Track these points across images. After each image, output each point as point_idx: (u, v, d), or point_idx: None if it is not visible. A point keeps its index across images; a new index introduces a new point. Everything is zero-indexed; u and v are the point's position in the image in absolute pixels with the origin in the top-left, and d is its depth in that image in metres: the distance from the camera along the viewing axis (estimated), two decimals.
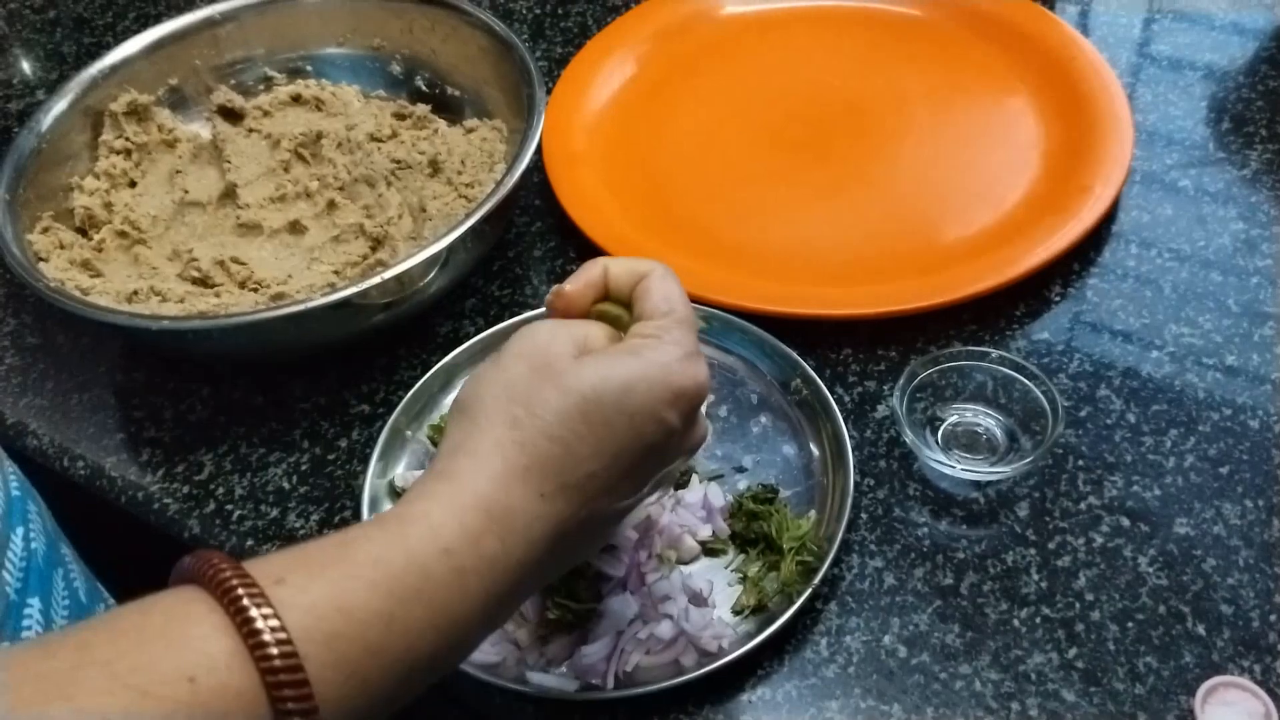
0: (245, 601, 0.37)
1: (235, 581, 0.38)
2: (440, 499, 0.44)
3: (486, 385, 0.47)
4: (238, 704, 0.36)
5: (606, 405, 0.46)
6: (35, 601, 0.53)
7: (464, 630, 0.43)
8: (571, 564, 0.54)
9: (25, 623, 0.52)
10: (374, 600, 0.40)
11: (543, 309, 0.73)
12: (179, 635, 0.37)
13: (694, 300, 0.72)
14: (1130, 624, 0.58)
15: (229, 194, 0.81)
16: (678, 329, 0.49)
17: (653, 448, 0.48)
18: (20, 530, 0.54)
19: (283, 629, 0.37)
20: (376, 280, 0.66)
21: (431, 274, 0.70)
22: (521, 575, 0.45)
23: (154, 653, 0.36)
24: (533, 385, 0.46)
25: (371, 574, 0.40)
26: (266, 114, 0.87)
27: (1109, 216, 0.78)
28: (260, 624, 0.37)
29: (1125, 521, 0.62)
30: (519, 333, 0.49)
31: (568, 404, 0.45)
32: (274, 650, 0.37)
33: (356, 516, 0.65)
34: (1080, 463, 0.65)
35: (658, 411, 0.47)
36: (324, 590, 0.39)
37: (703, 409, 0.51)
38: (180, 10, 0.88)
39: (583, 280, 0.52)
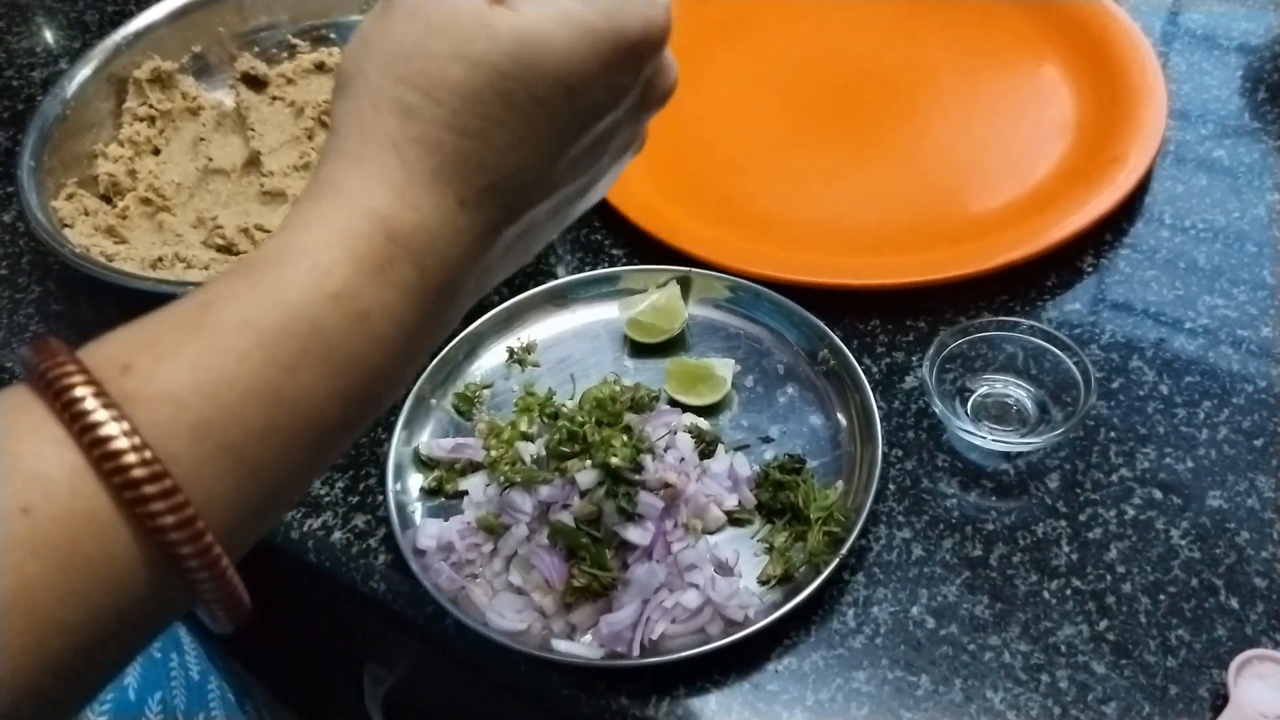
0: (85, 404, 0.29)
1: (70, 380, 0.30)
2: (325, 226, 0.34)
3: (369, 54, 0.36)
4: (89, 528, 0.29)
5: (532, 79, 0.35)
6: None
7: (384, 381, 0.35)
8: (512, 270, 0.43)
9: None
10: (247, 374, 0.32)
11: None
12: (5, 455, 0.29)
13: (720, 270, 0.72)
14: (1162, 597, 0.58)
15: (253, 161, 0.81)
16: None
17: (600, 117, 0.38)
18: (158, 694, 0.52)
19: (135, 430, 0.29)
20: None
21: None
22: (449, 300, 0.36)
23: None
24: (430, 56, 0.34)
25: (239, 342, 0.32)
26: (290, 81, 0.87)
27: (1142, 187, 0.77)
28: (107, 428, 0.29)
29: (1157, 494, 0.62)
30: None
31: (477, 83, 0.34)
32: (130, 458, 0.29)
33: (381, 484, 0.65)
34: (1112, 434, 0.64)
35: (605, 76, 0.36)
36: (182, 374, 0.31)
37: (666, 49, 0.41)
38: None
39: None
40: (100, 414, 0.29)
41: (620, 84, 0.37)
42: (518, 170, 0.36)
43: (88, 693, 0.32)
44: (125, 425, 0.29)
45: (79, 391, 0.30)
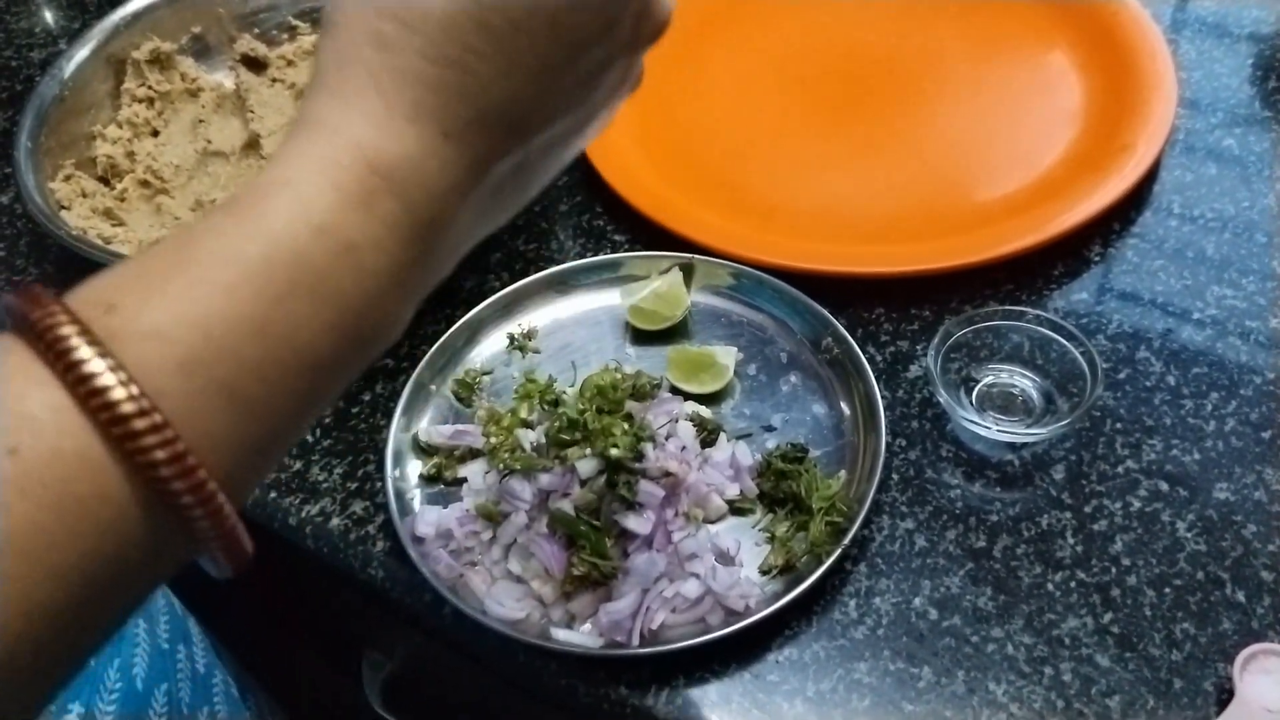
0: (69, 343, 0.29)
1: (54, 320, 0.29)
2: (306, 160, 0.33)
3: None
4: (78, 467, 0.29)
5: (511, 5, 0.34)
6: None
7: (375, 317, 0.34)
8: (511, 211, 0.42)
9: None
10: (234, 307, 0.31)
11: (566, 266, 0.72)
12: None
13: (724, 257, 0.71)
14: (1168, 590, 0.57)
15: (252, 144, 0.80)
16: None
17: (587, 48, 0.37)
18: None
19: (121, 367, 0.29)
20: None
21: None
22: (439, 235, 0.35)
23: None
24: None
25: (226, 275, 0.31)
26: (290, 63, 0.86)
27: (1150, 176, 0.76)
28: (92, 365, 0.29)
29: (1164, 486, 0.61)
30: None
31: (453, 10, 0.34)
32: (116, 394, 0.28)
33: (380, 470, 0.65)
34: (1118, 425, 0.64)
35: (591, 3, 0.35)
36: (167, 309, 0.30)
37: None
38: None
39: None
40: (84, 351, 0.29)
41: (609, 13, 0.36)
42: (505, 102, 0.35)
43: (87, 646, 0.31)
44: (110, 361, 0.29)
45: (63, 330, 0.29)
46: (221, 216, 0.33)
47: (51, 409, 0.29)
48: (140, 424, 0.29)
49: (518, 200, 0.41)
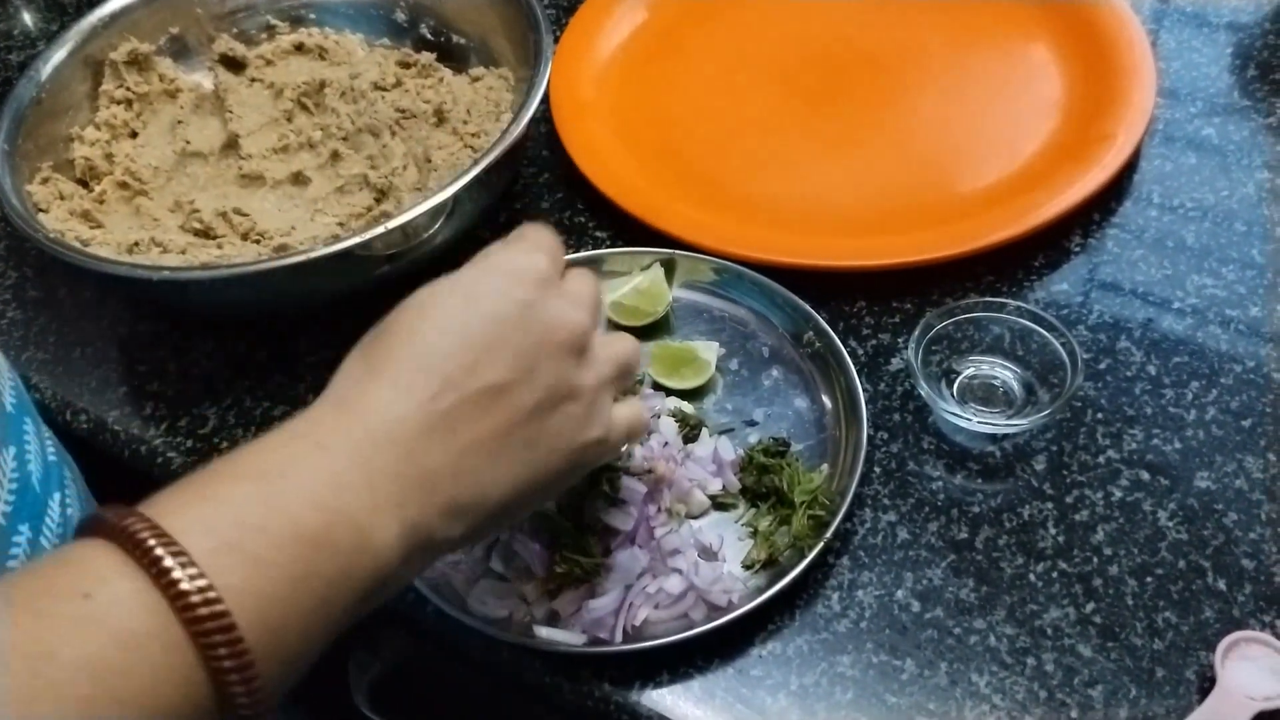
0: (143, 535, 0.35)
1: (131, 522, 0.36)
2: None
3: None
4: (143, 619, 0.34)
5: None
6: (24, 529, 0.50)
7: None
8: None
9: (14, 550, 0.49)
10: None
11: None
12: (68, 565, 0.36)
13: (705, 252, 0.71)
14: (1149, 579, 0.57)
15: (231, 144, 0.80)
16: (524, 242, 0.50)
17: (512, 324, 0.46)
18: (57, 495, 0.52)
19: (183, 553, 0.35)
20: (380, 231, 0.64)
21: (436, 225, 0.68)
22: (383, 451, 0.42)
23: (46, 575, 0.35)
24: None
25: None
26: (269, 63, 0.85)
27: (1130, 166, 0.76)
28: (159, 552, 0.35)
29: (1145, 475, 0.61)
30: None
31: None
32: (177, 575, 0.34)
33: None
34: (1099, 416, 0.64)
35: (507, 291, 0.46)
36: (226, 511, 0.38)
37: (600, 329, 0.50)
38: None
39: None
40: (154, 542, 0.35)
41: (515, 296, 0.46)
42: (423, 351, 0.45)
43: None
44: (174, 548, 0.35)
45: (137, 525, 0.35)
46: (284, 448, 0.42)
47: (117, 570, 0.35)
48: (196, 599, 0.35)
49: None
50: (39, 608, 0.33)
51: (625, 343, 0.51)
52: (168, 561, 0.35)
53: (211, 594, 0.35)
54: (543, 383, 0.45)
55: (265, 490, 0.39)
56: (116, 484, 0.67)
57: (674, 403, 0.65)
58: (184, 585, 0.34)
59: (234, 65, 0.86)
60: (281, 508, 0.38)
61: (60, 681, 0.32)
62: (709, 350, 0.67)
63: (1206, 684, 0.53)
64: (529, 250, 0.48)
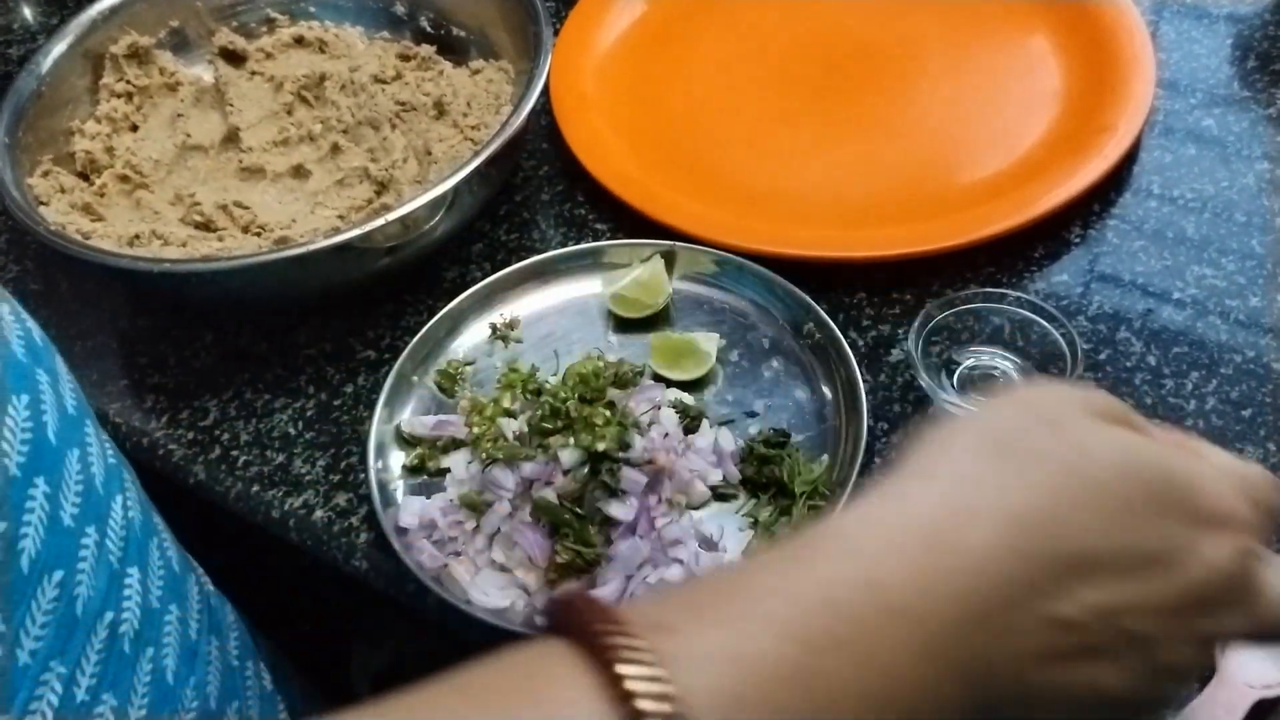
0: (622, 655, 0.29)
1: (609, 632, 0.30)
2: (869, 523, 0.33)
3: (976, 420, 0.37)
4: None
5: (1130, 483, 0.34)
6: (134, 571, 0.51)
7: (910, 691, 0.31)
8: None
9: (125, 593, 0.50)
10: (779, 647, 0.30)
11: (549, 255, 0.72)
12: (540, 698, 0.29)
13: (705, 244, 0.71)
14: None
15: (231, 137, 0.80)
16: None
17: (1183, 573, 0.34)
18: (119, 498, 0.52)
19: (665, 697, 0.28)
20: (380, 223, 0.65)
21: (436, 217, 0.68)
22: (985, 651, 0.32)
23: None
24: (1035, 431, 0.36)
25: (776, 609, 0.31)
26: (269, 56, 0.85)
27: (1130, 158, 0.76)
28: (635, 685, 0.28)
29: None
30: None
31: (1074, 469, 0.34)
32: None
33: (363, 462, 0.64)
34: None
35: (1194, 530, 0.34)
36: (718, 636, 0.30)
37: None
38: None
39: None
40: (632, 669, 0.29)
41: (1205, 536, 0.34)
42: (1089, 553, 0.34)
43: None
44: (659, 688, 0.28)
45: (618, 642, 0.29)
46: (776, 557, 0.33)
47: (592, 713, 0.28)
48: None
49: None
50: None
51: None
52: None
53: None
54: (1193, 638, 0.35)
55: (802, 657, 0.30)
56: None
57: (674, 394, 0.65)
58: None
59: (234, 58, 0.86)
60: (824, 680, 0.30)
61: None
62: (709, 341, 0.68)
63: (1206, 672, 0.53)
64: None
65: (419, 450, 0.65)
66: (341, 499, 0.65)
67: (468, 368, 0.69)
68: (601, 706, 0.28)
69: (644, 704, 0.28)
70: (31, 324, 0.49)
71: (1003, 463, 0.34)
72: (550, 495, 0.58)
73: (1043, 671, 0.33)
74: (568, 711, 0.29)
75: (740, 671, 0.29)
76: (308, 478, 0.66)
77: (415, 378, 0.68)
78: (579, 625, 0.30)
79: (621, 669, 0.29)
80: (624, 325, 0.71)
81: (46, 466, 0.45)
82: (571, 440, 0.59)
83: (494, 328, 0.71)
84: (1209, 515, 0.35)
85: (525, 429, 0.61)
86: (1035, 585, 0.32)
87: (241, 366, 0.73)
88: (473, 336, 0.71)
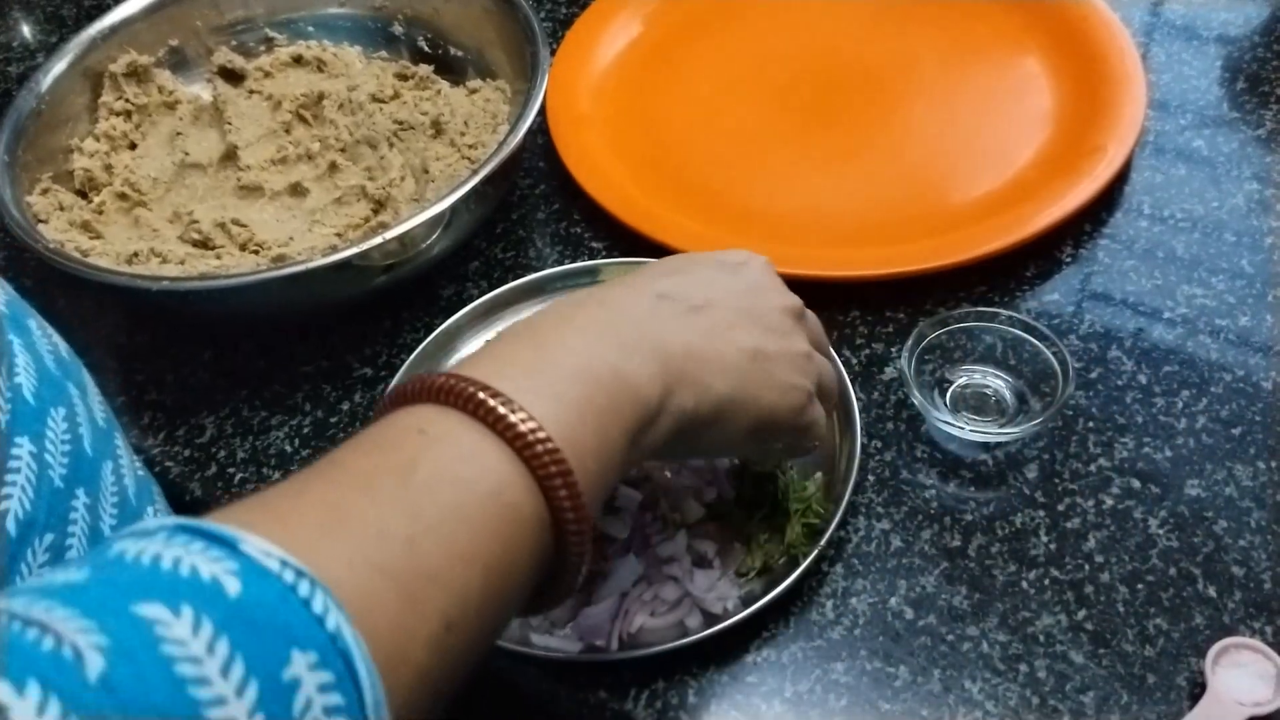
0: (484, 397, 0.39)
1: (469, 387, 0.40)
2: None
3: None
4: (508, 486, 0.38)
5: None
6: (81, 494, 0.48)
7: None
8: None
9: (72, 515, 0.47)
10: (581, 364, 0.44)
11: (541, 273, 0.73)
12: (437, 439, 0.39)
13: None
14: (1140, 586, 0.58)
15: (230, 156, 0.80)
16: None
17: (768, 324, 0.51)
18: (150, 510, 0.52)
19: (520, 408, 0.39)
20: (377, 241, 0.65)
21: (434, 235, 0.69)
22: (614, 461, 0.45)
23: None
24: None
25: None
26: (268, 75, 0.86)
27: (1121, 178, 0.77)
28: (502, 409, 0.39)
29: (1136, 483, 0.62)
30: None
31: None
32: (527, 426, 0.39)
33: None
34: (1090, 424, 0.64)
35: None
36: (542, 383, 0.42)
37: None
38: None
39: None
40: (494, 401, 0.39)
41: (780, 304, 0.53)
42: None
43: (479, 651, 0.38)
44: (512, 405, 0.39)
45: (480, 394, 0.39)
46: (558, 321, 0.47)
47: (482, 447, 0.39)
48: (540, 449, 0.39)
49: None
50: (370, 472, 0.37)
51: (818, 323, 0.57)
52: (500, 409, 0.39)
53: (542, 433, 0.39)
54: (768, 321, 0.51)
55: (536, 351, 0.44)
56: None
57: None
58: (520, 428, 0.39)
59: (233, 77, 0.87)
60: (552, 360, 0.43)
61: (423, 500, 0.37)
62: None
63: (1197, 690, 0.54)
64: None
65: None
66: None
67: None
68: (492, 442, 0.39)
69: (525, 431, 0.39)
70: (58, 339, 0.49)
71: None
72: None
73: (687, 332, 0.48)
74: (470, 451, 0.38)
75: (565, 397, 0.41)
76: None
77: None
78: (441, 389, 0.40)
79: (500, 410, 0.39)
80: None
81: (85, 478, 0.45)
82: None
83: None
84: (799, 314, 0.54)
85: None
86: (680, 310, 0.49)
87: (238, 384, 0.73)
88: (469, 353, 0.71)
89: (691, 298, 0.49)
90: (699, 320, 0.49)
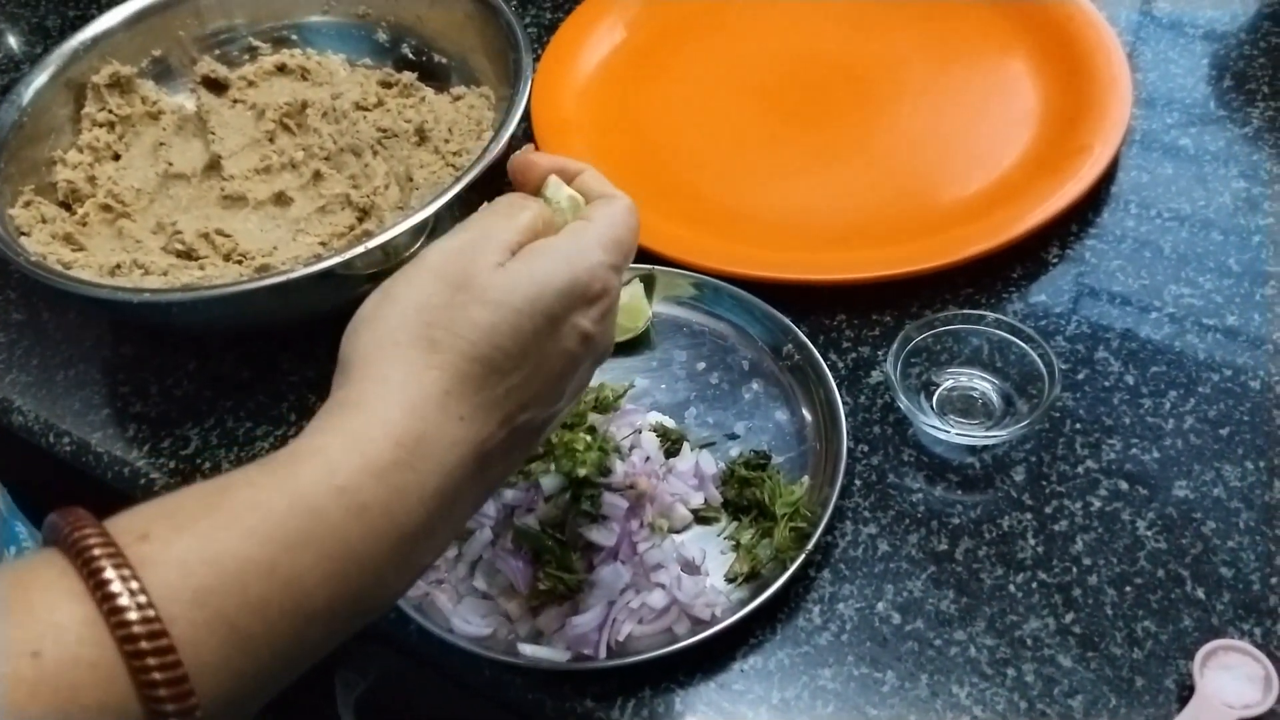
0: (100, 562, 0.33)
1: (91, 541, 0.33)
2: (341, 433, 0.39)
3: (397, 305, 0.43)
4: (91, 676, 0.32)
5: (537, 313, 0.43)
6: None
7: (373, 573, 0.38)
8: (496, 485, 0.47)
9: None
10: (250, 548, 0.35)
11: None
12: (24, 604, 0.32)
13: (685, 267, 0.72)
14: (1128, 588, 0.57)
15: (213, 166, 0.80)
16: (604, 220, 0.47)
17: (571, 355, 0.45)
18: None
19: (142, 590, 0.33)
20: (361, 250, 0.65)
21: (418, 244, 0.69)
22: (441, 505, 0.40)
23: None
24: (455, 303, 0.42)
25: (249, 520, 0.36)
26: (251, 84, 0.86)
27: (1108, 177, 0.77)
28: (116, 585, 0.32)
29: (1123, 485, 0.61)
30: (432, 245, 0.45)
31: (497, 320, 0.42)
32: (132, 615, 0.32)
33: None
34: (1078, 426, 0.64)
35: (575, 318, 0.45)
36: (192, 542, 0.35)
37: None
38: None
39: (553, 158, 0.52)
40: (111, 573, 0.33)
41: (581, 326, 0.45)
42: (506, 391, 0.43)
43: None
44: (135, 584, 0.33)
45: (96, 552, 0.33)
46: (259, 472, 0.38)
47: (79, 621, 0.32)
48: (149, 644, 0.32)
49: (499, 477, 0.46)
50: None
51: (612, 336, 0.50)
52: (115, 586, 0.33)
53: (157, 625, 0.33)
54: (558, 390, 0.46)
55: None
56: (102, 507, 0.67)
57: (655, 418, 0.66)
58: (129, 615, 0.33)
59: (216, 87, 0.86)
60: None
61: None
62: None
63: (1185, 693, 0.53)
64: (607, 271, 0.47)
65: None
66: None
67: None
68: (83, 609, 0.32)
69: (121, 600, 0.32)
70: None
71: (430, 346, 0.41)
72: (532, 522, 0.59)
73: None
74: (55, 614, 0.32)
75: (213, 570, 0.34)
76: None
77: None
78: (65, 536, 0.34)
79: (103, 572, 0.33)
80: None
81: None
82: (552, 466, 0.60)
83: None
84: (588, 299, 0.45)
85: None
86: (485, 436, 0.42)
87: (223, 394, 0.73)
88: None
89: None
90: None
